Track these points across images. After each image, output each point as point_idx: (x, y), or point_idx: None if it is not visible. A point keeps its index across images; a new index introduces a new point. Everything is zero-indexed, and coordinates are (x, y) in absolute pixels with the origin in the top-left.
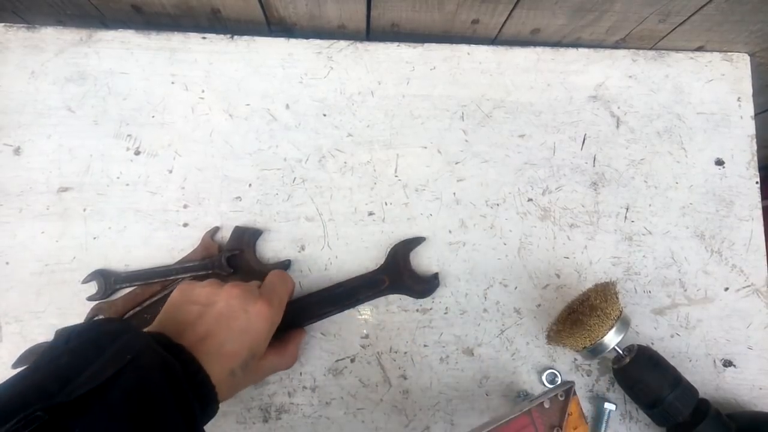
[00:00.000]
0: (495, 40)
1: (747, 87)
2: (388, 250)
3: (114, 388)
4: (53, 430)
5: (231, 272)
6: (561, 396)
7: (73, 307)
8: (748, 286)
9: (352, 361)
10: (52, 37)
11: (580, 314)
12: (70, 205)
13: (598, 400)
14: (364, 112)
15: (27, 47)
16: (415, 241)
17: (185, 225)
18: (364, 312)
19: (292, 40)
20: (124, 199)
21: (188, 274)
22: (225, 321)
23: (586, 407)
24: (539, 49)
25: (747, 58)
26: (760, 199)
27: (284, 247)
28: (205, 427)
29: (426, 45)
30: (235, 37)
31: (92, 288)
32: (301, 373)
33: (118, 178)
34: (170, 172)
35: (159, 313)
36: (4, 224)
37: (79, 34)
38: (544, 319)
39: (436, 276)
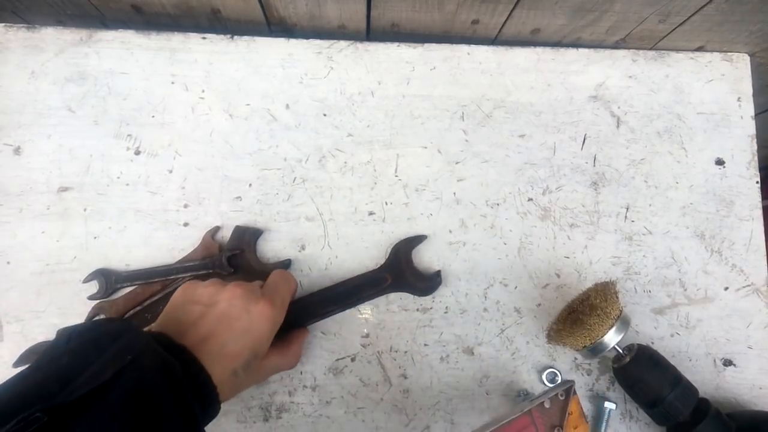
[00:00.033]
0: (495, 40)
1: (747, 87)
2: (390, 248)
3: (114, 388)
4: (53, 431)
5: (231, 272)
6: (561, 395)
7: (73, 307)
8: (748, 285)
9: (353, 360)
10: (52, 37)
11: (580, 313)
12: (71, 204)
13: (598, 400)
14: (365, 112)
15: (27, 47)
16: (416, 239)
17: (186, 225)
18: (365, 311)
19: (292, 41)
20: (124, 198)
21: (189, 274)
22: (227, 321)
23: (586, 406)
24: (539, 49)
25: (747, 58)
26: (760, 199)
27: (284, 247)
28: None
29: (426, 45)
30: (235, 37)
31: (93, 287)
32: (301, 372)
33: (118, 177)
34: (170, 172)
35: (160, 312)
36: (4, 224)
37: (79, 34)
38: (544, 319)
39: (438, 273)
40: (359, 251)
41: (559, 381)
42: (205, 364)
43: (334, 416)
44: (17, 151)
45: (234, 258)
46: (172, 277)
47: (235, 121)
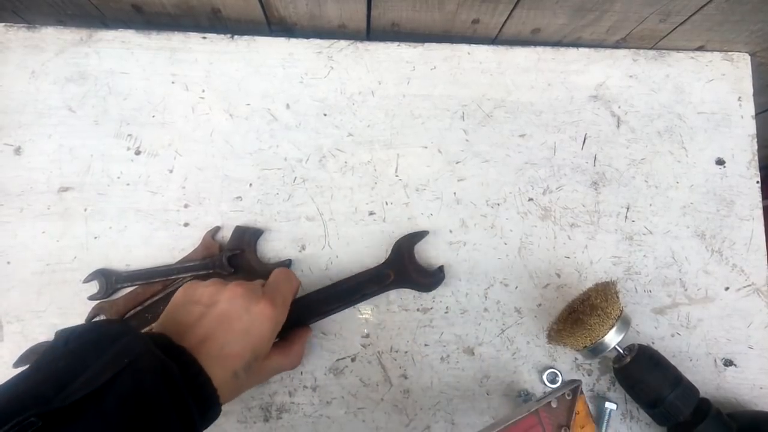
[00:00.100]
0: (495, 39)
1: (747, 87)
2: (392, 244)
3: (110, 393)
4: None
5: (232, 272)
6: (568, 395)
7: (74, 307)
8: (749, 285)
9: (353, 360)
10: (52, 36)
11: (580, 314)
12: (71, 204)
13: (598, 400)
14: (365, 111)
15: (27, 47)
16: (418, 235)
17: (186, 225)
18: (365, 311)
19: (293, 40)
20: (124, 198)
21: (189, 274)
22: (227, 322)
23: None
24: (540, 49)
25: (747, 57)
26: (760, 199)
27: (285, 247)
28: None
29: (426, 45)
30: (236, 36)
31: (93, 287)
32: (301, 373)
33: (118, 177)
34: (171, 171)
35: (160, 312)
36: (5, 224)
37: (79, 34)
38: (545, 319)
39: (441, 269)
40: (360, 251)
41: (560, 381)
42: (205, 366)
43: (335, 416)
44: (18, 151)
45: (234, 258)
46: (172, 277)
47: (236, 120)
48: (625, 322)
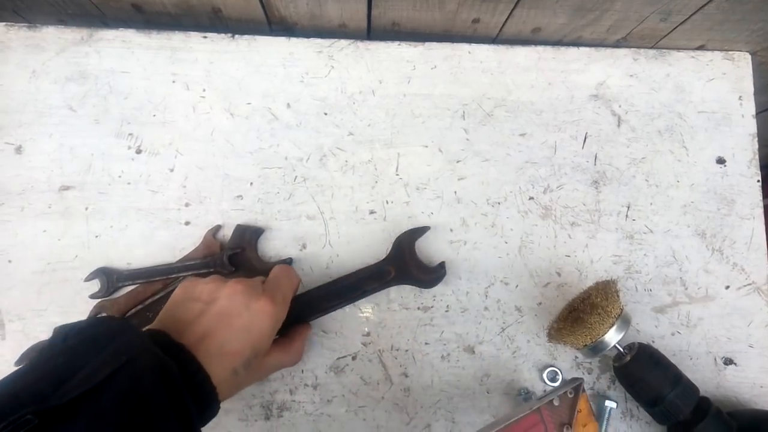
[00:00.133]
0: (496, 39)
1: (748, 86)
2: (393, 240)
3: (107, 390)
4: None
5: (233, 270)
6: (570, 393)
7: (75, 305)
8: (749, 284)
9: (354, 358)
10: (53, 36)
11: (581, 312)
12: (72, 203)
13: (599, 398)
14: (365, 111)
15: (28, 46)
16: (419, 231)
17: (187, 223)
18: (366, 310)
19: (293, 39)
20: (125, 197)
21: (190, 273)
22: (226, 319)
23: None
24: (540, 48)
25: (748, 56)
26: (761, 198)
27: (286, 246)
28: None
29: (427, 44)
30: (236, 36)
31: (94, 286)
32: (302, 371)
33: (119, 176)
34: (171, 170)
35: (161, 310)
36: (6, 223)
37: (80, 33)
38: (545, 317)
39: (442, 265)
40: (360, 250)
41: (560, 380)
42: (204, 363)
43: (335, 415)
44: (18, 150)
45: (235, 257)
46: (173, 275)
47: (236, 120)
48: (625, 321)
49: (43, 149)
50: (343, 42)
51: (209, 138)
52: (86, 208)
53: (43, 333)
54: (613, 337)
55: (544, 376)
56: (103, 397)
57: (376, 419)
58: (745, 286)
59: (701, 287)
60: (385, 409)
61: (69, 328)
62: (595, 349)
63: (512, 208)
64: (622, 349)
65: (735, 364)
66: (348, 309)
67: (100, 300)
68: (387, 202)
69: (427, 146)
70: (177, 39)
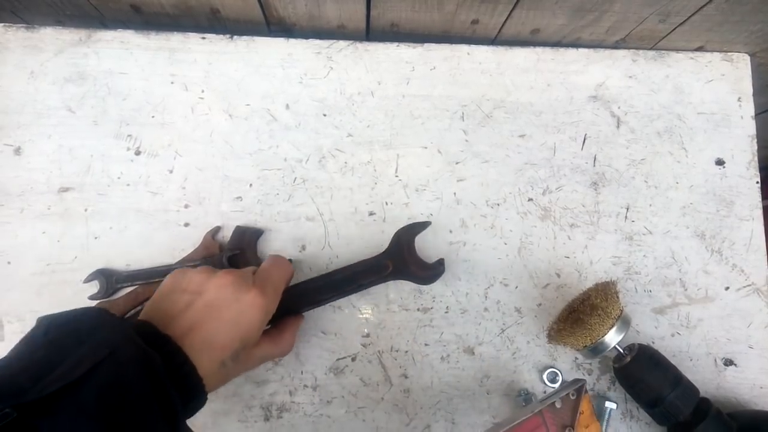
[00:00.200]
0: (495, 40)
1: (747, 87)
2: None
3: (87, 384)
4: (21, 430)
5: None
6: (573, 395)
7: (74, 307)
8: (749, 285)
9: (353, 360)
10: (51, 37)
11: (580, 313)
12: (71, 205)
13: (599, 399)
14: (364, 112)
15: (26, 47)
16: (419, 226)
17: (186, 225)
18: (365, 311)
19: (292, 40)
20: (124, 199)
21: None
22: (215, 311)
23: None
24: (539, 49)
25: (747, 58)
26: (760, 199)
27: (285, 247)
28: (206, 426)
29: (426, 45)
30: (235, 37)
31: (93, 287)
32: (302, 372)
33: (118, 178)
34: (171, 172)
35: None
36: (5, 224)
37: (78, 34)
38: (545, 319)
39: (441, 262)
40: (360, 251)
41: (560, 381)
42: (191, 355)
43: (335, 416)
44: (17, 151)
45: (234, 258)
46: None
47: (235, 121)
48: (625, 322)
49: (42, 150)
50: (342, 43)
51: (208, 139)
52: (85, 210)
53: None
54: (612, 338)
55: (544, 377)
56: (84, 390)
57: (376, 420)
58: (744, 287)
59: (701, 288)
60: (384, 410)
61: (50, 320)
62: (595, 350)
63: (511, 209)
64: (622, 350)
65: (735, 365)
66: (347, 310)
67: (99, 301)
68: (386, 204)
69: (426, 147)
70: (175, 40)
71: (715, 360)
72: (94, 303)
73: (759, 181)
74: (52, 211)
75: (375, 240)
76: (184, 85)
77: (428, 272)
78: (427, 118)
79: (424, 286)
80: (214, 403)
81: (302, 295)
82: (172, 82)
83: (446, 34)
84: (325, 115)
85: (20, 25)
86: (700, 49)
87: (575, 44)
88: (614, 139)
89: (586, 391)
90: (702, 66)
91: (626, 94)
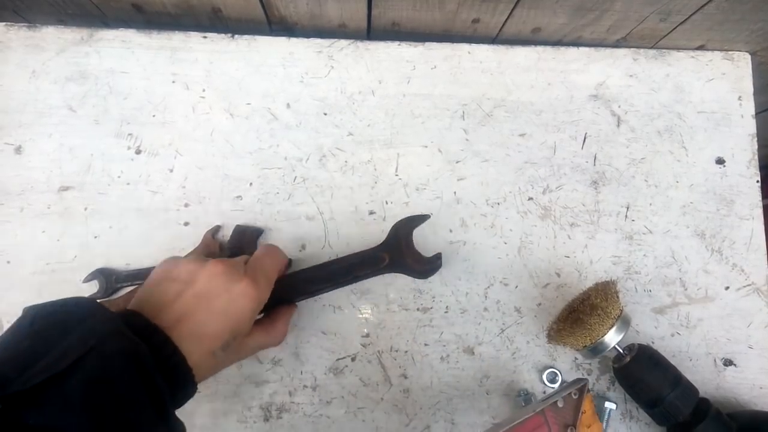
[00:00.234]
0: (496, 39)
1: (748, 86)
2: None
3: (73, 375)
4: (5, 420)
5: None
6: (575, 394)
7: None
8: (749, 285)
9: (353, 360)
10: (53, 36)
11: (580, 313)
12: (71, 204)
13: (598, 399)
14: (365, 111)
15: (28, 46)
16: (418, 219)
17: (186, 224)
18: (365, 311)
19: (293, 40)
20: (125, 198)
21: None
22: (205, 301)
23: None
24: (540, 48)
25: (748, 57)
26: (760, 198)
27: (285, 246)
28: (206, 426)
29: (427, 44)
30: (236, 36)
31: (93, 287)
32: (302, 372)
33: (119, 177)
34: (171, 171)
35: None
36: (5, 223)
37: (80, 34)
38: (545, 318)
39: (439, 256)
40: (360, 250)
41: (560, 381)
42: (181, 345)
43: (335, 416)
44: (18, 150)
45: (234, 257)
46: None
47: (236, 120)
48: (624, 322)
49: (42, 149)
50: (343, 42)
51: (209, 138)
52: (85, 209)
53: None
54: (612, 338)
55: (544, 377)
56: (70, 381)
57: (376, 420)
58: (744, 286)
59: (701, 288)
60: (384, 411)
61: (37, 310)
62: (595, 350)
63: (512, 208)
64: (621, 350)
65: (735, 365)
66: (347, 310)
67: (98, 300)
68: (386, 203)
69: (426, 146)
70: (177, 39)
71: (715, 360)
72: None
73: (759, 180)
74: (52, 210)
75: (375, 239)
76: (185, 84)
77: (425, 266)
78: (428, 117)
79: (425, 286)
80: (214, 403)
81: (296, 285)
82: (173, 81)
83: (447, 33)
84: (325, 114)
85: (22, 24)
86: (700, 47)
87: (576, 43)
88: (614, 138)
89: (589, 391)
90: (702, 65)
91: (627, 93)
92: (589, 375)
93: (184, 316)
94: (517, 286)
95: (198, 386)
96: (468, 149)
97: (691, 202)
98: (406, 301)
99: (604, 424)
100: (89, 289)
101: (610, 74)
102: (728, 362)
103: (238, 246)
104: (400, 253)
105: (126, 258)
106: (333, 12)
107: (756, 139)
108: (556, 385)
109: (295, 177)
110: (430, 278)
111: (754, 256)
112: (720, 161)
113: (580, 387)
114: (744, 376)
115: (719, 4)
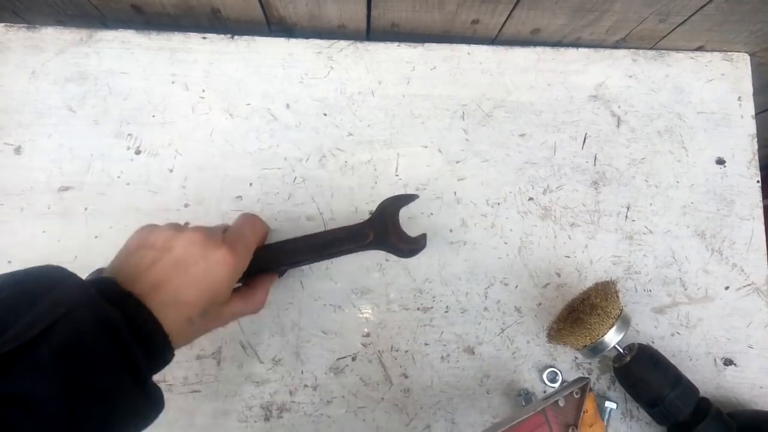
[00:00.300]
0: (495, 40)
1: (747, 86)
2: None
3: (44, 343)
4: None
5: None
6: (576, 393)
7: None
8: (749, 284)
9: (354, 359)
10: (52, 37)
11: (580, 313)
12: (71, 204)
13: (598, 399)
14: (365, 111)
15: (27, 47)
16: (405, 198)
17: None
18: (365, 310)
19: (293, 40)
20: (125, 198)
21: None
22: (182, 268)
23: None
24: (539, 49)
25: (747, 57)
26: (760, 198)
27: None
28: (206, 426)
29: (426, 45)
30: (236, 37)
31: None
32: (302, 372)
33: (118, 177)
34: (171, 171)
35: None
36: (5, 223)
37: (79, 34)
38: (545, 318)
39: (423, 236)
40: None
41: (560, 380)
42: (157, 312)
43: (335, 416)
44: (18, 150)
45: None
46: None
47: (236, 120)
48: (625, 322)
49: (42, 150)
50: (343, 43)
51: (209, 138)
52: (85, 209)
53: None
54: (612, 337)
55: (544, 376)
56: (40, 350)
57: (376, 420)
58: (744, 286)
59: (701, 288)
60: (384, 410)
61: (5, 278)
62: (595, 349)
63: (512, 208)
64: (621, 350)
65: (735, 364)
66: (347, 310)
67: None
68: None
69: (426, 147)
70: (176, 40)
71: (715, 360)
72: None
73: (759, 180)
74: (52, 211)
75: None
76: (184, 84)
77: (410, 245)
78: (428, 118)
79: (425, 286)
80: (214, 402)
81: (278, 255)
82: (172, 82)
83: (447, 34)
84: (325, 114)
85: (21, 25)
86: (700, 48)
87: (575, 44)
88: (614, 139)
89: (591, 390)
90: (702, 65)
91: (626, 94)
92: (589, 374)
93: (160, 284)
94: (517, 286)
95: (175, 351)
96: (468, 149)
97: (692, 202)
98: (406, 300)
99: (605, 423)
100: None
101: (609, 75)
102: (728, 362)
103: None
104: (385, 230)
105: None
106: (332, 13)
107: (756, 139)
108: (557, 385)
109: (295, 177)
110: (431, 278)
111: (754, 256)
112: (720, 161)
113: (583, 386)
114: (744, 375)
115: (719, 5)
